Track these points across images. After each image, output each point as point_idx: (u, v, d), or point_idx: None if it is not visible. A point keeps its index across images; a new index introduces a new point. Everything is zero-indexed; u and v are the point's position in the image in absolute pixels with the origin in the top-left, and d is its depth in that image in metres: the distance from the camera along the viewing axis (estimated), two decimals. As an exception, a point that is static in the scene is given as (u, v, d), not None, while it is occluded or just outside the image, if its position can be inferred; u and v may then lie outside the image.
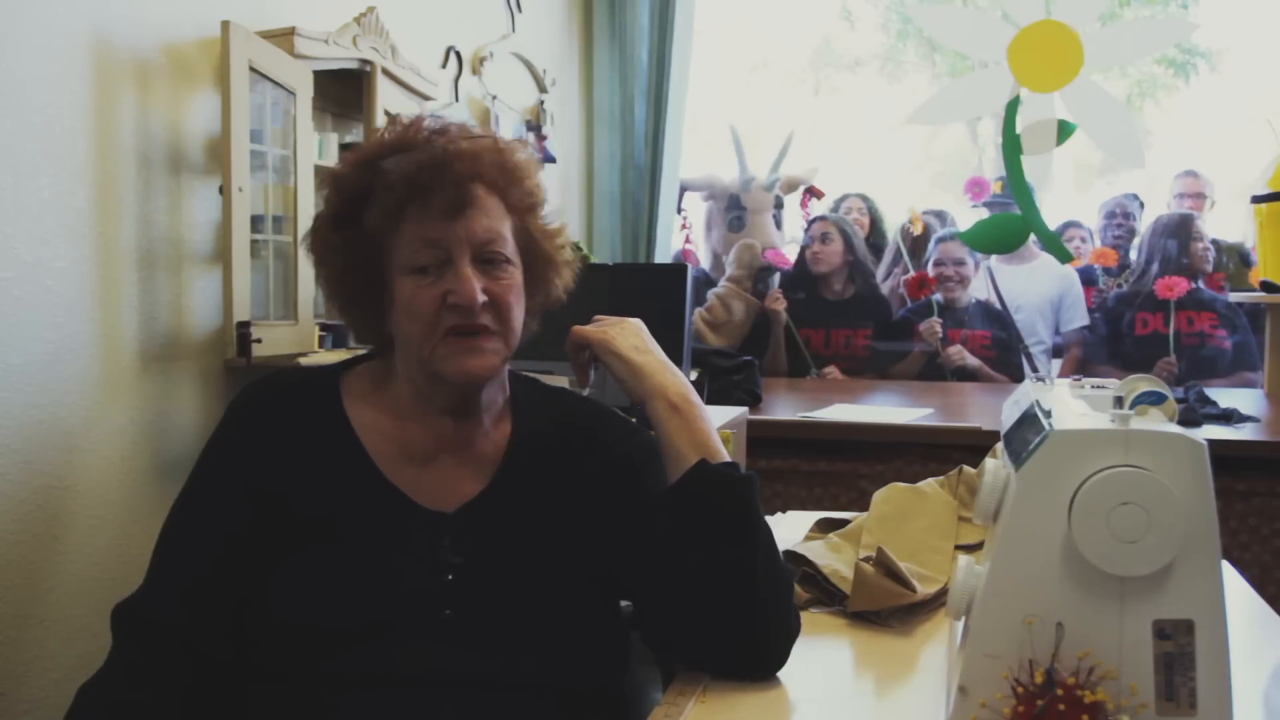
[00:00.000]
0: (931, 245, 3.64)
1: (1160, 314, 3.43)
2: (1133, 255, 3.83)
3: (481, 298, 1.01)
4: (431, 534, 1.05)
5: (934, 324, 3.42)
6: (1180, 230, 3.51)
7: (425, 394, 1.07)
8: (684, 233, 3.98)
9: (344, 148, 2.07)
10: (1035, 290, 3.67)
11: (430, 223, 1.01)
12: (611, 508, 1.09)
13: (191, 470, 1.09)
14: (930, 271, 3.56)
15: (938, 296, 3.52)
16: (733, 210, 3.73)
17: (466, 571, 1.04)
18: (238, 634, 1.02)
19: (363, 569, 1.02)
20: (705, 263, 3.96)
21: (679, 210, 3.87)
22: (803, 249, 3.67)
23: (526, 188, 1.08)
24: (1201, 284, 3.51)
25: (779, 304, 3.53)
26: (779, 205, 3.77)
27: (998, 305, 3.58)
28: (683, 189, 3.86)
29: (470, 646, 1.01)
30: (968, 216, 4.11)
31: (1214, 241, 3.68)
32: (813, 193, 4.02)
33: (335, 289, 1.09)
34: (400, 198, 1.01)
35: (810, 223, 3.74)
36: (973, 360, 3.42)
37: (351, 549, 1.03)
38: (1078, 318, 3.65)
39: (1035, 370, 3.41)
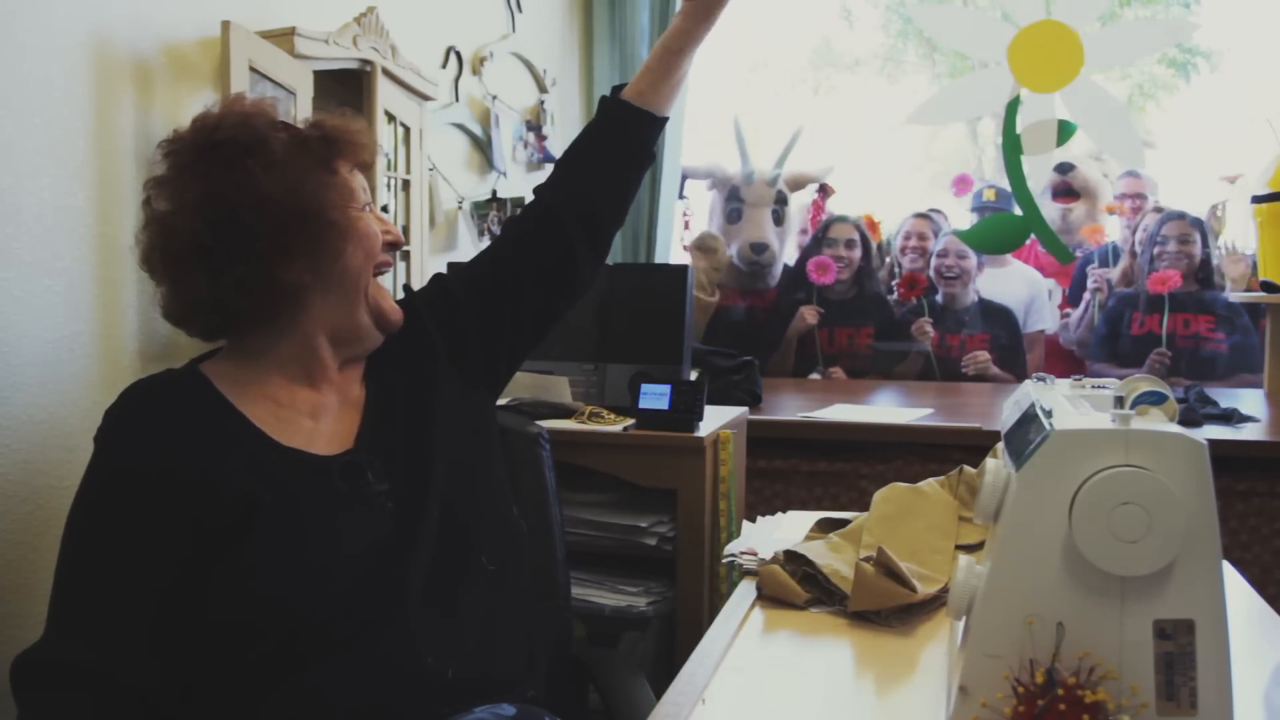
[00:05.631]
0: (938, 239, 3.64)
1: (1156, 315, 3.42)
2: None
3: None
4: (353, 476, 1.06)
5: (923, 324, 3.44)
6: (1185, 230, 3.47)
7: (346, 342, 1.13)
8: (685, 218, 3.90)
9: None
10: (1011, 293, 3.69)
11: (358, 168, 1.14)
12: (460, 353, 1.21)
13: (78, 497, 1.05)
14: (934, 264, 3.56)
15: (938, 296, 3.52)
16: (732, 201, 3.73)
17: (401, 492, 1.06)
18: (187, 652, 1.00)
19: (311, 540, 1.02)
20: None
21: (680, 196, 3.81)
22: (814, 248, 3.62)
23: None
24: (1201, 285, 3.47)
25: (814, 318, 3.53)
26: (781, 201, 3.74)
27: (998, 304, 3.58)
28: (685, 176, 3.81)
29: (443, 552, 1.05)
30: (966, 217, 4.10)
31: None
32: (825, 191, 3.99)
33: (238, 233, 1.05)
34: (339, 141, 1.10)
35: (827, 224, 3.68)
36: (994, 369, 3.43)
37: (291, 526, 1.01)
38: (1040, 320, 3.72)
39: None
